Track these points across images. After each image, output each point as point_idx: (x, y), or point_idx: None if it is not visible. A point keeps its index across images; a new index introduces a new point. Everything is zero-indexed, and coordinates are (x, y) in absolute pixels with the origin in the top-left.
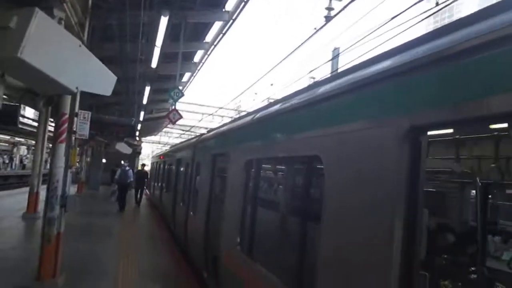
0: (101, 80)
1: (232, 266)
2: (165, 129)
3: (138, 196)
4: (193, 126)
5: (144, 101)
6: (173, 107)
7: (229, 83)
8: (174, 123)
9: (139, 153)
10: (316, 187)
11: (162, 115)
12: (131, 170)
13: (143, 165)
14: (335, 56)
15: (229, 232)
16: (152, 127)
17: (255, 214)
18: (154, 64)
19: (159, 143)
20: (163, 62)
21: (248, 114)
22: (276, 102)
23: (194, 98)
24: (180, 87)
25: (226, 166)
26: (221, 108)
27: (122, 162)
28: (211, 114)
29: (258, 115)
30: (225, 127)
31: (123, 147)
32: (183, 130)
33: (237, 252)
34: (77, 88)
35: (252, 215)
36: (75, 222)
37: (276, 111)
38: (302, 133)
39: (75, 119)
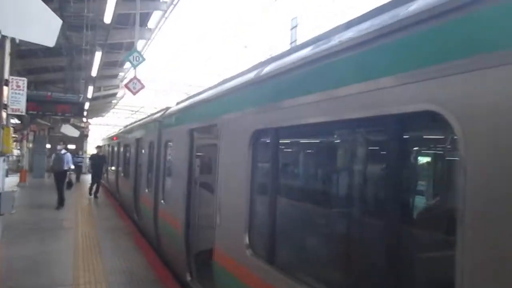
0: (41, 25)
1: (238, 271)
2: (113, 110)
3: (95, 186)
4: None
5: (94, 73)
6: (133, 75)
7: (186, 57)
8: (135, 93)
9: (87, 135)
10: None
11: (113, 93)
12: (68, 155)
13: (99, 147)
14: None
15: (231, 230)
16: (101, 107)
17: (276, 211)
18: (107, 18)
19: (107, 125)
20: (114, 28)
21: (249, 70)
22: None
23: (146, 74)
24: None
25: (212, 142)
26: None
27: (58, 146)
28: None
29: (277, 63)
30: (212, 91)
31: (69, 130)
32: (132, 111)
33: (247, 258)
34: (4, 36)
35: (271, 211)
36: (19, 219)
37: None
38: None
39: (5, 88)
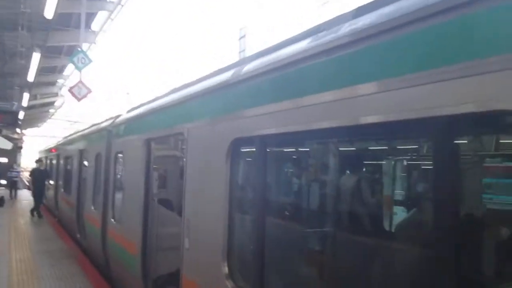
0: None
1: None
2: (50, 120)
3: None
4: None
5: (30, 78)
6: (79, 79)
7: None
8: (80, 99)
9: (21, 148)
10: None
11: (50, 101)
12: None
13: (40, 160)
14: None
15: (205, 257)
16: (37, 117)
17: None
18: (48, 13)
19: (44, 136)
20: (55, 29)
21: (220, 71)
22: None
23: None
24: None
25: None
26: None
27: None
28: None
29: (265, 58)
30: (175, 95)
31: (0, 142)
32: (71, 121)
33: None
34: None
35: (258, 234)
36: None
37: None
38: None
39: None
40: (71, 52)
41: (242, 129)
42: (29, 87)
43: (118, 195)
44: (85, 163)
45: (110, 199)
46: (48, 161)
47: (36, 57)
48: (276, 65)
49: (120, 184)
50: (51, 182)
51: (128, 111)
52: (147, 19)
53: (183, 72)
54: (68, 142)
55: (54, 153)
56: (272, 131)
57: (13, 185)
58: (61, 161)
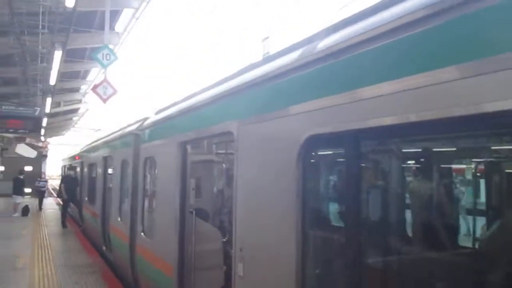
0: None
1: None
2: (74, 128)
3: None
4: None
5: (53, 81)
6: (103, 77)
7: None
8: (106, 100)
9: (46, 156)
10: None
11: (74, 108)
12: None
13: (71, 168)
14: None
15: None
16: (61, 125)
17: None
18: (69, 2)
19: (68, 144)
20: (76, 31)
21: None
22: None
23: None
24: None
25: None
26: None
27: None
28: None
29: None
30: (222, 86)
31: (25, 150)
32: (95, 129)
33: None
34: None
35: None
36: None
37: None
38: None
39: None
40: None
41: (322, 122)
42: (52, 92)
43: (148, 206)
44: (110, 170)
45: (139, 211)
46: (72, 169)
47: (57, 56)
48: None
49: (151, 193)
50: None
51: (157, 112)
52: (166, 20)
53: (205, 76)
54: (92, 148)
55: (78, 160)
56: (378, 123)
57: (40, 195)
58: (85, 169)
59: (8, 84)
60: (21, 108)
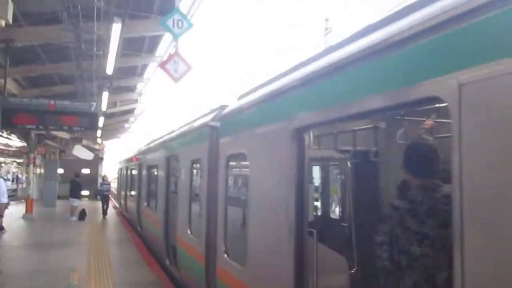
0: None
1: None
2: (130, 130)
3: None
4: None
5: (109, 69)
6: (174, 50)
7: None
8: (177, 80)
9: (102, 158)
10: None
11: (130, 108)
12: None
13: (128, 170)
14: None
15: None
16: (117, 127)
17: None
18: None
19: (124, 147)
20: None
21: None
22: None
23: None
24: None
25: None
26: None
27: None
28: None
29: None
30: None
31: (81, 152)
32: (148, 133)
33: None
34: None
35: None
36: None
37: None
38: None
39: None
40: (154, 47)
41: None
42: (109, 85)
43: (235, 219)
44: (175, 172)
45: (219, 225)
46: (129, 172)
47: (116, 30)
48: None
49: (238, 202)
50: (132, 193)
51: (242, 97)
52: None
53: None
54: (151, 149)
55: (135, 162)
56: None
57: (104, 200)
58: (143, 171)
59: (64, 82)
60: (77, 104)
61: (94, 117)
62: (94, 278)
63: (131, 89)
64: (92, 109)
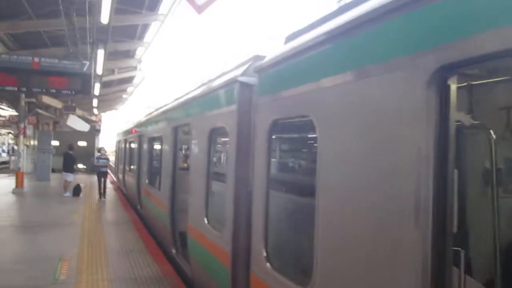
0: None
1: None
2: (128, 102)
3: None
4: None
5: (104, 17)
6: None
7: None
8: (201, 10)
9: (99, 131)
10: None
11: (129, 76)
12: None
13: (126, 143)
14: None
15: None
16: (114, 98)
17: None
18: None
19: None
20: None
21: None
22: None
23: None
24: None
25: None
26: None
27: None
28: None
29: None
30: None
31: (76, 123)
32: (147, 107)
33: None
34: None
35: None
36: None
37: None
38: None
39: None
40: (154, 4)
41: None
42: (105, 39)
43: (283, 212)
44: (186, 145)
45: (256, 218)
46: (128, 145)
47: None
48: None
49: (291, 188)
50: (132, 168)
51: (294, 37)
52: None
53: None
54: (155, 118)
55: (134, 134)
56: None
57: (101, 177)
58: (145, 144)
59: (55, 44)
60: (66, 62)
61: (86, 79)
62: (86, 270)
63: (130, 54)
64: (85, 69)
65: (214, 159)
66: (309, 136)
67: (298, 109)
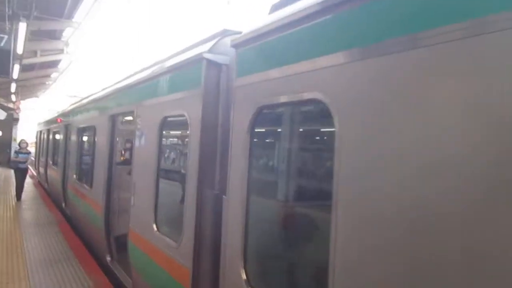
0: None
1: None
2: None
3: None
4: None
5: None
6: None
7: None
8: None
9: (17, 119)
10: None
11: (54, 60)
12: None
13: (49, 134)
14: None
15: None
16: (36, 84)
17: None
18: None
19: (44, 109)
20: None
21: None
22: None
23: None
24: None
25: None
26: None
27: None
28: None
29: None
30: None
31: None
32: (72, 96)
33: None
34: None
35: None
36: None
37: None
38: None
39: None
40: None
41: None
42: (26, 15)
43: (269, 220)
44: (126, 136)
45: (233, 232)
46: (52, 136)
47: None
48: None
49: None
50: (56, 161)
51: (282, 5)
52: None
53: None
54: (86, 106)
55: (60, 124)
56: None
57: (20, 176)
58: (73, 135)
59: None
60: None
61: (4, 56)
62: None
63: (56, 36)
64: (2, 44)
65: (166, 154)
66: (306, 127)
67: (303, 91)
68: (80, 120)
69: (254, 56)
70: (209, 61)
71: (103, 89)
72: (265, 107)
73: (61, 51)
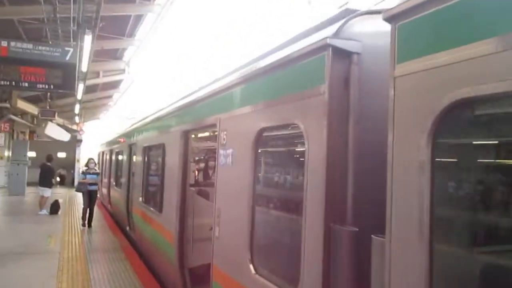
0: None
1: None
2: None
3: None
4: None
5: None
6: None
7: None
8: None
9: (81, 141)
10: None
11: (116, 80)
12: None
13: (112, 154)
14: None
15: None
16: (98, 105)
17: None
18: None
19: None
20: None
21: None
22: None
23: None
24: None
25: None
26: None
27: None
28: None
29: None
30: None
31: (55, 131)
32: (127, 118)
33: None
34: None
35: None
36: None
37: None
38: None
39: None
40: None
41: None
42: (94, 23)
43: None
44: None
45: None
46: (114, 157)
47: None
48: None
49: None
50: (120, 182)
51: None
52: None
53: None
54: (156, 121)
55: (125, 143)
56: None
57: (89, 198)
58: (138, 156)
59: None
60: (43, 48)
61: (70, 71)
62: None
63: (118, 55)
64: (67, 58)
65: (267, 175)
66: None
67: None
68: (146, 139)
69: (432, 29)
70: (336, 49)
71: (172, 104)
72: (463, 101)
73: (122, 71)
